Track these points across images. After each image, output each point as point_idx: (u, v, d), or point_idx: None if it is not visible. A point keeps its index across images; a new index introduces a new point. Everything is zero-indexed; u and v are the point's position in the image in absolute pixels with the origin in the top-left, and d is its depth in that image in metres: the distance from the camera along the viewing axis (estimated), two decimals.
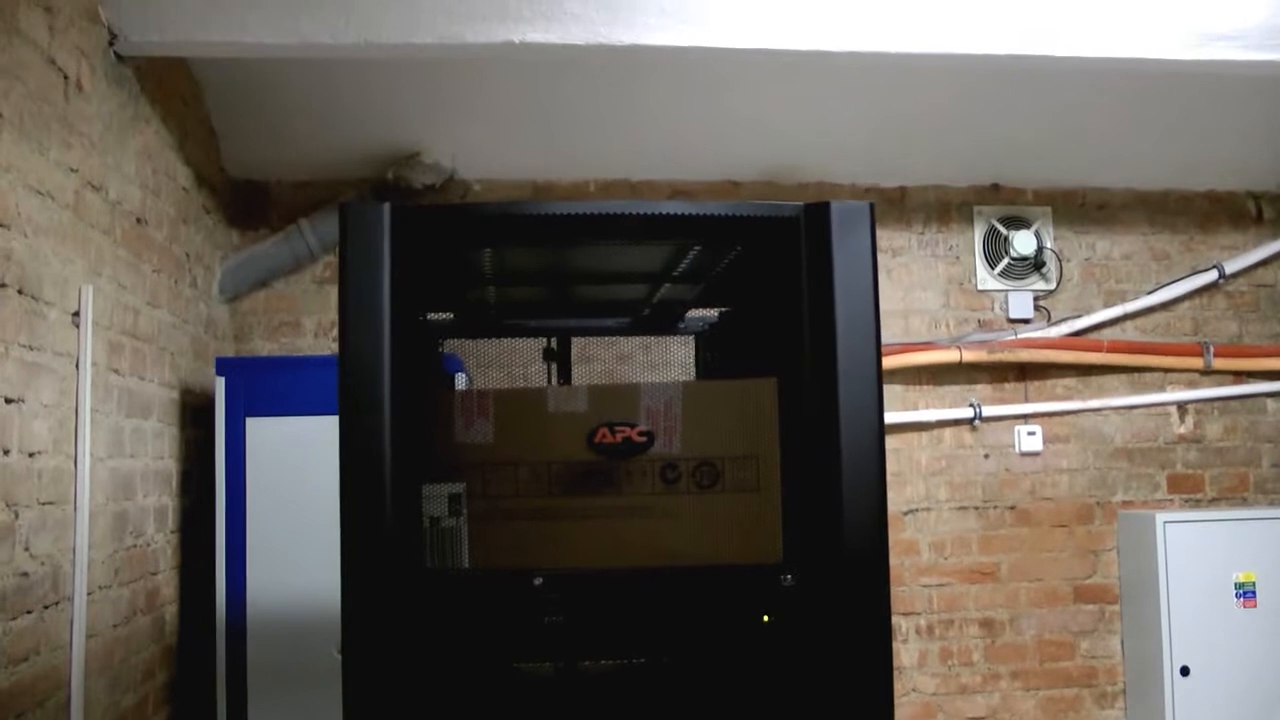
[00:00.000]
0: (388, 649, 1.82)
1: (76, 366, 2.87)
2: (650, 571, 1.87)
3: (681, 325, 2.87)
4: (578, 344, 2.90)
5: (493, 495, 1.87)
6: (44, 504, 2.67)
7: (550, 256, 2.27)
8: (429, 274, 2.06)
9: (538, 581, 1.84)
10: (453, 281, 2.38)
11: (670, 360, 2.98)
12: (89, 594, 2.90)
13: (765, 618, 1.86)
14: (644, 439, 1.86)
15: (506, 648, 1.88)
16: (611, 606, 1.89)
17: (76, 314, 2.86)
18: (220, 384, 3.62)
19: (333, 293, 4.34)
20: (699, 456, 1.88)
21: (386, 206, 1.81)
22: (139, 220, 3.31)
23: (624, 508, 1.86)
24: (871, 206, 1.90)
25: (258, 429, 3.63)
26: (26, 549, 2.57)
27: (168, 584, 3.56)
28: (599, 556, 1.85)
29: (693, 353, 2.91)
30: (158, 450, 3.48)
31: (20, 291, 2.55)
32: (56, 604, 2.74)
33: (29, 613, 2.58)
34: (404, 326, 1.86)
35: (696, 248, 2.13)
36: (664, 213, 1.88)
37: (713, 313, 2.77)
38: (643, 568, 1.86)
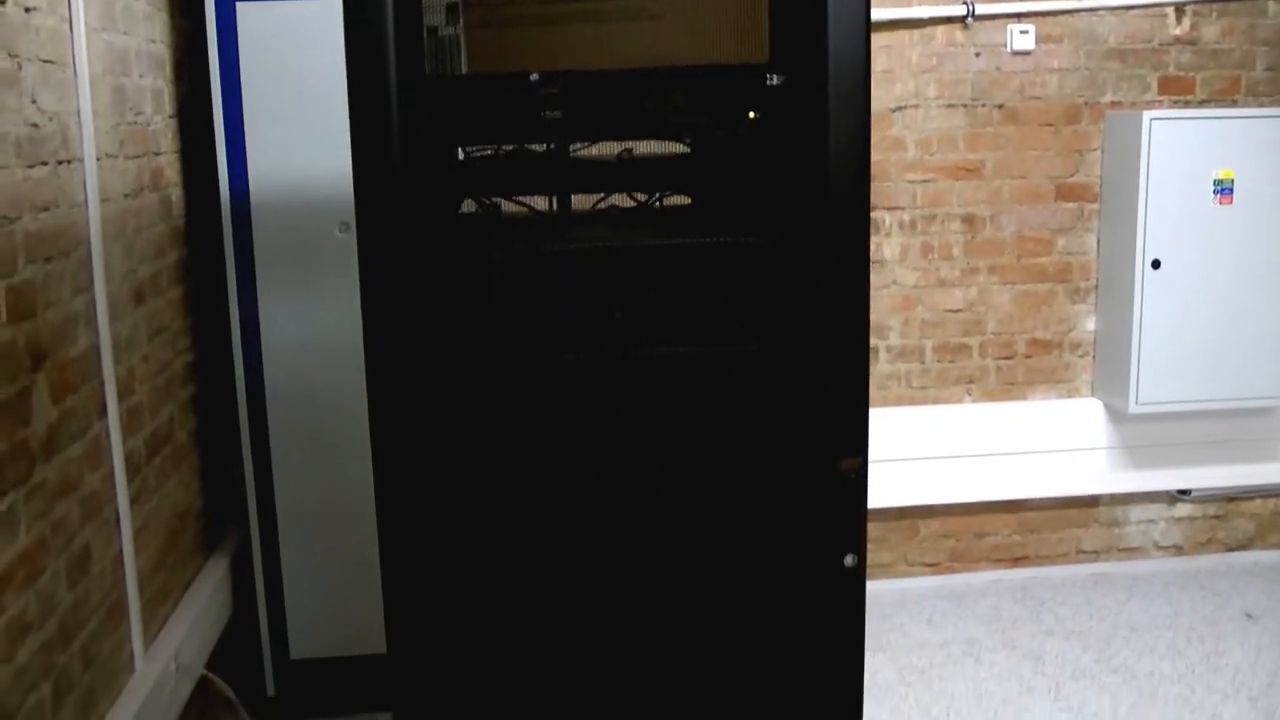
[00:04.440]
0: (391, 154, 1.92)
1: None
2: (641, 71, 1.94)
3: None
4: None
5: (488, 2, 1.91)
6: (45, 61, 2.71)
7: None
8: None
9: (534, 77, 1.92)
10: None
11: None
12: (97, 160, 2.99)
13: (751, 115, 1.96)
14: None
15: (507, 136, 1.97)
16: (605, 104, 1.98)
17: None
18: None
19: None
20: None
21: None
22: None
23: (614, 10, 1.91)
24: None
25: (249, 13, 3.61)
26: (34, 101, 2.63)
27: (170, 167, 3.65)
28: (592, 58, 1.92)
29: None
30: (149, 33, 3.48)
31: None
32: (68, 162, 2.83)
33: (44, 164, 2.68)
34: None
35: None
36: None
37: None
38: (634, 69, 1.94)
